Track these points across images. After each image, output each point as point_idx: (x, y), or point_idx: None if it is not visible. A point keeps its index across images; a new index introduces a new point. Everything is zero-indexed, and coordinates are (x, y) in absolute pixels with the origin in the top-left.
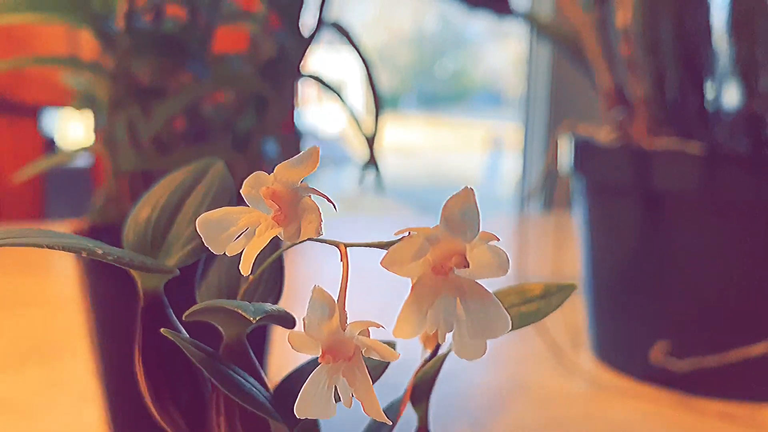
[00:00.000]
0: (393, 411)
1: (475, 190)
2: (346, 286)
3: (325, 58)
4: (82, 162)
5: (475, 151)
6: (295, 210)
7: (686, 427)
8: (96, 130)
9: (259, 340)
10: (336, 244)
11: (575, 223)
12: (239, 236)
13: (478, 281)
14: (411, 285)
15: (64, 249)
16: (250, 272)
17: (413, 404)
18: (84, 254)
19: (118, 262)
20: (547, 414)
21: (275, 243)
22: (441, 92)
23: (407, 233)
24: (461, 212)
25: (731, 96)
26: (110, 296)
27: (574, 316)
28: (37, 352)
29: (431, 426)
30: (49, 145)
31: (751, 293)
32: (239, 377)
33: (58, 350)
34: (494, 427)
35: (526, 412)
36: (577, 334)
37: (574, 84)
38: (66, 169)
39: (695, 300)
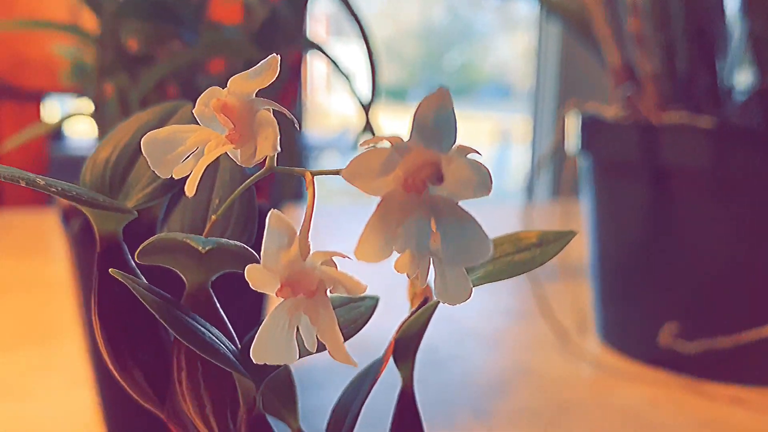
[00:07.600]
0: (374, 370)
1: None
2: (311, 215)
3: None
4: (86, 150)
5: (484, 143)
6: (250, 127)
7: (696, 411)
8: (90, 99)
9: (255, 307)
10: (302, 173)
11: (582, 208)
12: (188, 157)
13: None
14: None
15: (2, 179)
16: (194, 194)
17: (396, 363)
18: (23, 183)
19: (63, 195)
20: (552, 398)
21: (242, 176)
22: (449, 85)
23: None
24: (435, 118)
25: (743, 72)
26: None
27: (581, 300)
28: (31, 335)
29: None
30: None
31: (763, 273)
32: (200, 327)
33: (53, 334)
34: (498, 411)
35: (531, 396)
36: (583, 319)
37: (583, 76)
38: (70, 157)
39: (705, 280)
